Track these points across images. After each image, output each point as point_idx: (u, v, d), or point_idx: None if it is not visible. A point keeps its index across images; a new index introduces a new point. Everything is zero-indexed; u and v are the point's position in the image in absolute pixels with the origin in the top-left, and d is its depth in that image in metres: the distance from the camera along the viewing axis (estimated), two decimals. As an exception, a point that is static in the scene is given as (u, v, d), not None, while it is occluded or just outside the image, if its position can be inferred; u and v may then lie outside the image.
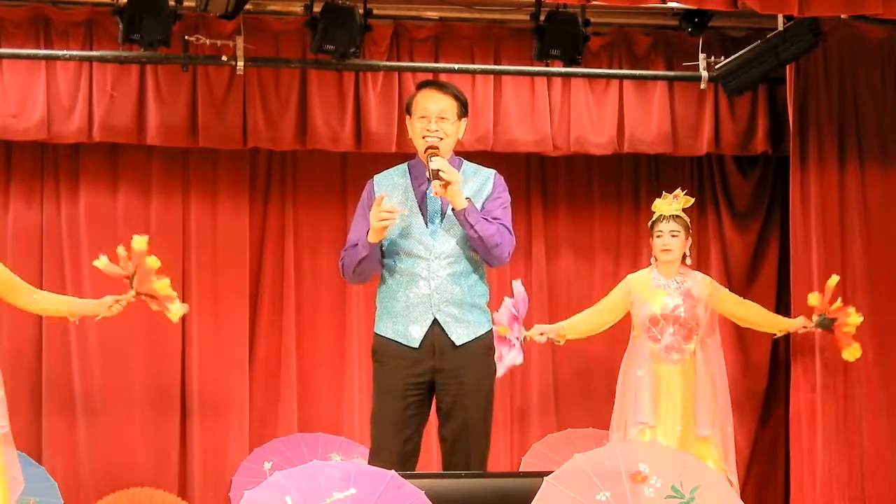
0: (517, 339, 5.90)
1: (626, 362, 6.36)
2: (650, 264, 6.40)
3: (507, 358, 5.85)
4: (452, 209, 4.53)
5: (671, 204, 6.28)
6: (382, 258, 4.64)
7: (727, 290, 6.58)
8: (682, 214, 6.29)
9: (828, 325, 6.58)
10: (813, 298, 6.60)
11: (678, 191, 6.39)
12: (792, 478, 7.07)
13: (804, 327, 6.61)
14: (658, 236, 6.23)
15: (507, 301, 5.91)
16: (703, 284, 6.31)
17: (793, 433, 7.07)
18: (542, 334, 6.17)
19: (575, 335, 6.35)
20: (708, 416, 6.13)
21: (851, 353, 6.56)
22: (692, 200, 6.41)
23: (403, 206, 4.61)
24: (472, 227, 4.50)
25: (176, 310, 5.71)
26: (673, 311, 6.15)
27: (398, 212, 4.51)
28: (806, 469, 6.95)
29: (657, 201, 6.37)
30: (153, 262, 5.63)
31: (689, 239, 6.30)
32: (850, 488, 6.92)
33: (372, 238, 4.53)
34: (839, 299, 6.57)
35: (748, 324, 6.62)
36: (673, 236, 6.21)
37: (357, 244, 4.59)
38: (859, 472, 6.94)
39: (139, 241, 5.60)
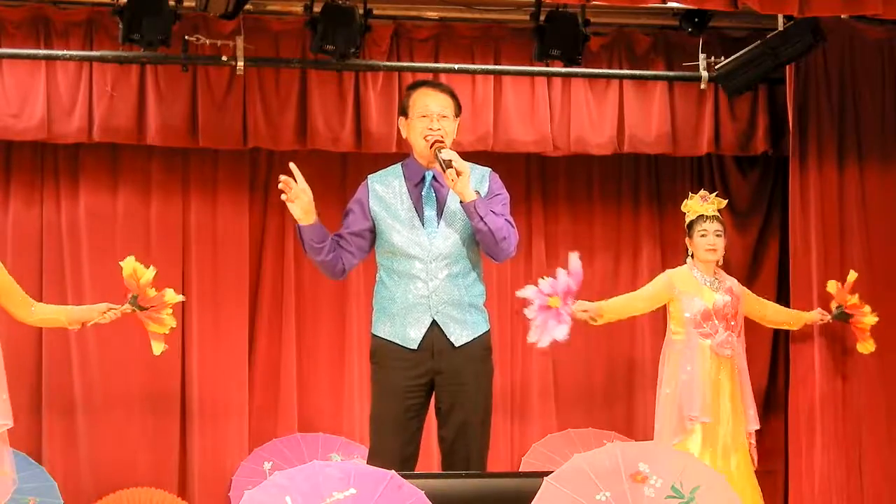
0: (569, 313, 5.83)
1: (671, 360, 6.28)
2: (685, 263, 6.39)
3: (556, 331, 5.77)
4: (461, 202, 4.50)
5: (705, 204, 6.34)
6: (369, 253, 4.65)
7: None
8: (720, 216, 6.38)
9: (845, 317, 6.73)
10: (832, 286, 6.74)
11: (703, 191, 6.44)
12: (791, 477, 7.07)
13: (822, 318, 6.73)
14: (703, 235, 6.29)
15: (563, 274, 5.82)
16: (737, 284, 6.41)
17: (792, 433, 7.07)
18: (584, 311, 6.14)
19: (611, 316, 6.32)
20: (753, 411, 6.28)
21: (866, 346, 6.73)
22: (725, 202, 6.48)
23: (399, 206, 4.61)
24: (481, 219, 4.45)
25: (158, 348, 5.64)
26: (724, 308, 6.22)
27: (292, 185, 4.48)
28: (805, 468, 6.95)
29: (690, 202, 6.41)
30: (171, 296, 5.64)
31: (725, 240, 6.39)
32: (848, 488, 6.92)
33: (298, 218, 4.52)
34: (857, 295, 6.71)
35: (769, 322, 6.72)
36: (717, 236, 6.30)
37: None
38: (858, 472, 6.94)
39: (144, 271, 5.58)
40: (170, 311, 5.64)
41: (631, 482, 3.99)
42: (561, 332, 5.68)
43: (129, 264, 5.58)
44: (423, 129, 4.58)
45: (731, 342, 6.21)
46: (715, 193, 6.45)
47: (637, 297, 6.44)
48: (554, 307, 5.66)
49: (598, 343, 7.57)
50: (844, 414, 6.95)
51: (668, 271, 6.46)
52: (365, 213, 4.64)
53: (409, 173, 4.66)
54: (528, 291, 5.64)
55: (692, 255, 6.36)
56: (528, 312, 5.68)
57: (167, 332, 5.66)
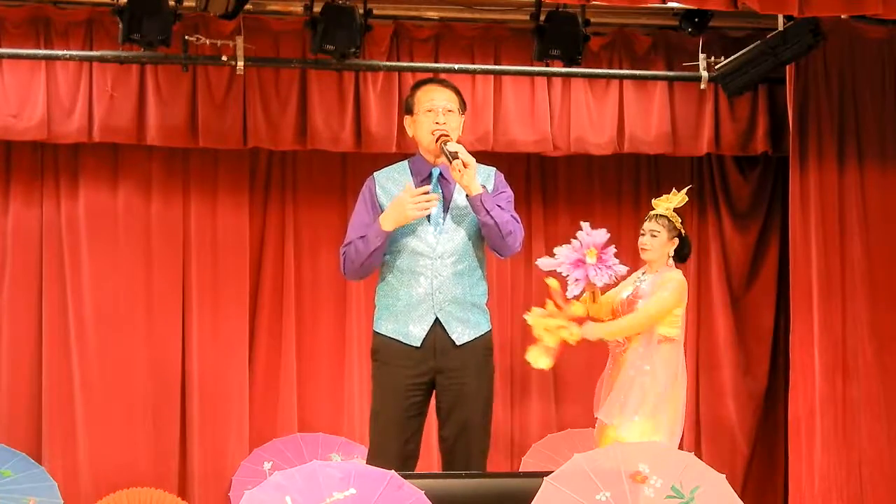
0: (613, 264, 5.73)
1: None
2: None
3: (599, 277, 5.69)
4: (467, 196, 4.50)
5: (665, 202, 6.12)
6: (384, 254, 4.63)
7: (660, 295, 5.85)
8: (669, 214, 5.98)
9: None
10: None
11: (681, 190, 6.15)
12: (791, 478, 7.07)
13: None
14: (641, 234, 6.10)
15: (582, 234, 5.71)
16: (653, 283, 5.91)
17: (792, 433, 7.07)
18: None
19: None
20: (619, 405, 5.82)
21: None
22: (685, 199, 6.04)
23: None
24: (487, 212, 4.46)
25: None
26: (620, 306, 5.94)
27: (435, 198, 4.48)
28: (805, 469, 6.95)
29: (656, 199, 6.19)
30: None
31: (675, 240, 5.95)
32: (848, 488, 6.92)
33: (389, 226, 4.47)
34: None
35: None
36: (653, 236, 5.99)
37: (366, 235, 4.53)
38: (858, 473, 6.94)
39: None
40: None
41: (631, 482, 4.00)
42: (621, 268, 5.65)
43: None
44: (430, 123, 4.58)
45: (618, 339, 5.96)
46: (686, 188, 6.06)
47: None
48: (590, 263, 5.62)
49: (599, 342, 7.55)
50: (844, 414, 6.95)
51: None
52: (376, 209, 4.61)
53: (416, 169, 4.66)
54: (548, 260, 5.60)
55: None
56: (562, 269, 5.62)
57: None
